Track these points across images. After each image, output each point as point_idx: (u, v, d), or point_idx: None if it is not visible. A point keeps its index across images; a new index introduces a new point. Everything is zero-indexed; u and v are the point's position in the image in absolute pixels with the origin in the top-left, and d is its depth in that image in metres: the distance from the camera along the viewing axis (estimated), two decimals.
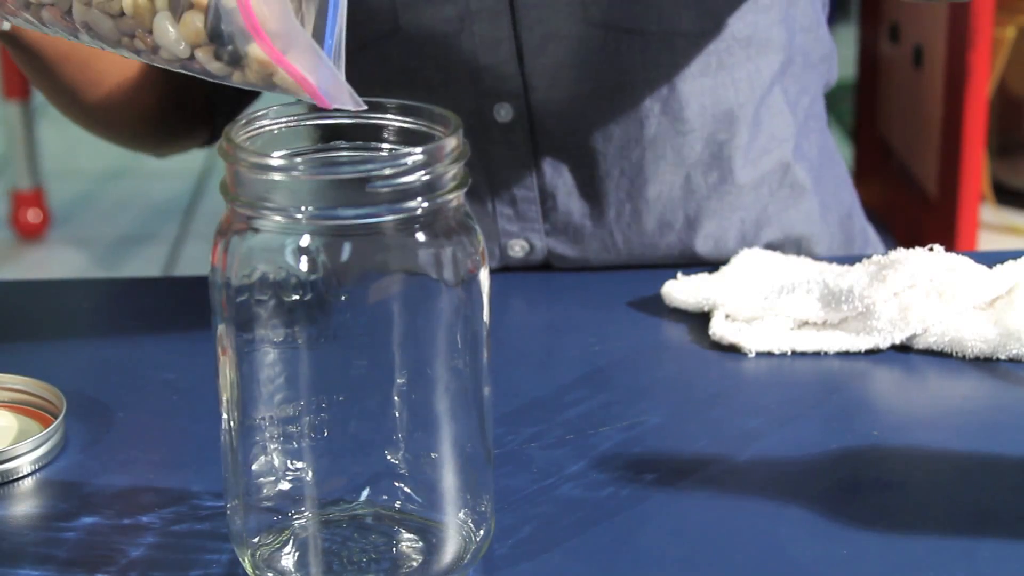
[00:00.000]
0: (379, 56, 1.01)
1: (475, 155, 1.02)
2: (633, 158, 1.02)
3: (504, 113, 1.01)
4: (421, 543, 0.68)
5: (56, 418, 0.80)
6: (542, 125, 1.02)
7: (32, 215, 2.96)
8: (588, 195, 1.03)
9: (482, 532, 0.68)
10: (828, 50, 1.10)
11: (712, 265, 1.00)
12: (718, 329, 0.91)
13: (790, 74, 1.06)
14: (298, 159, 0.66)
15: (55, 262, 2.86)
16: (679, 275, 0.96)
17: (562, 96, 1.01)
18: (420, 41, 1.00)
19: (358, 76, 1.02)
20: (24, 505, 0.76)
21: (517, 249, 1.04)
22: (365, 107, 0.66)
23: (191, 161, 3.27)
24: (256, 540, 0.68)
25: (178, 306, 0.97)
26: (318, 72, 0.64)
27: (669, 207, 1.03)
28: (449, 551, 0.67)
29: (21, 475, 0.78)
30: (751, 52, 1.02)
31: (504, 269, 1.05)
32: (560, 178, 1.03)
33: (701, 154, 1.03)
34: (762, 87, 1.04)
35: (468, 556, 0.68)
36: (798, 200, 1.07)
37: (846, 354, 0.89)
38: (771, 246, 1.06)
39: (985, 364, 0.88)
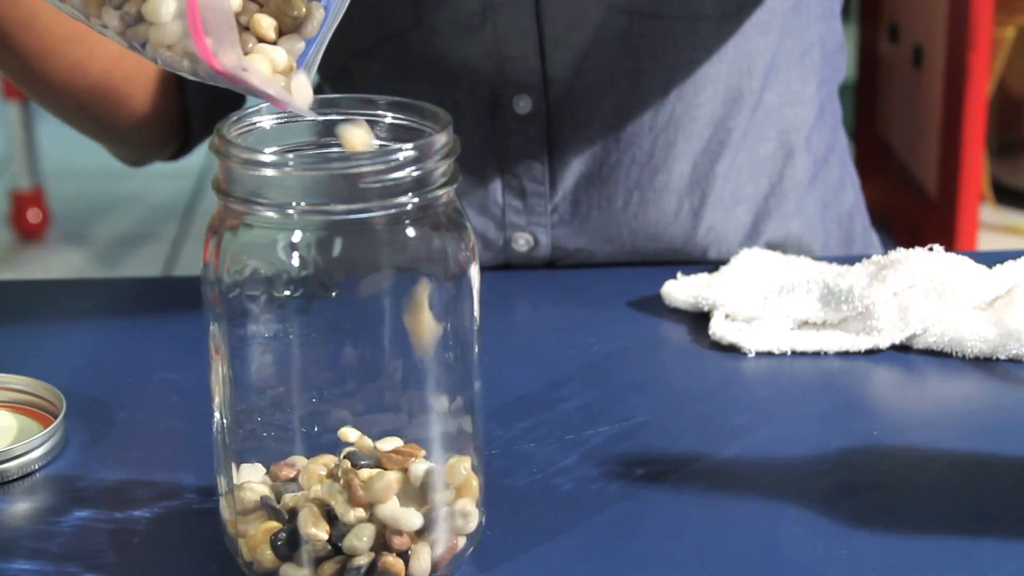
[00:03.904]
0: (400, 48, 1.02)
1: (490, 147, 1.02)
2: (645, 146, 1.02)
3: (523, 105, 1.01)
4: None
5: (56, 418, 0.80)
6: (559, 116, 1.02)
7: (32, 215, 2.96)
8: (597, 185, 1.03)
9: (473, 525, 0.68)
10: (840, 42, 1.10)
11: (713, 263, 1.00)
12: (718, 329, 0.90)
13: (806, 63, 1.06)
14: (289, 155, 0.66)
15: (55, 262, 2.86)
16: (679, 275, 0.96)
17: (581, 85, 1.01)
18: (442, 34, 1.00)
19: (379, 68, 1.03)
20: (24, 505, 0.76)
21: (521, 243, 1.04)
22: (315, 116, 0.66)
23: (191, 161, 3.27)
24: (248, 533, 0.67)
25: (178, 306, 0.97)
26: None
27: (675, 196, 1.03)
28: (440, 544, 0.67)
29: (21, 475, 0.78)
30: (769, 40, 1.02)
31: (506, 265, 1.06)
32: (571, 169, 1.03)
33: (709, 141, 1.03)
34: (776, 73, 1.04)
35: (459, 549, 0.68)
36: (796, 193, 1.07)
37: (846, 354, 0.89)
38: (771, 244, 1.06)
39: (985, 364, 0.88)
